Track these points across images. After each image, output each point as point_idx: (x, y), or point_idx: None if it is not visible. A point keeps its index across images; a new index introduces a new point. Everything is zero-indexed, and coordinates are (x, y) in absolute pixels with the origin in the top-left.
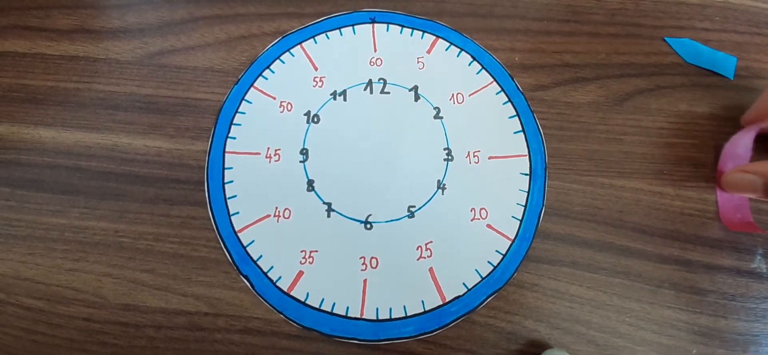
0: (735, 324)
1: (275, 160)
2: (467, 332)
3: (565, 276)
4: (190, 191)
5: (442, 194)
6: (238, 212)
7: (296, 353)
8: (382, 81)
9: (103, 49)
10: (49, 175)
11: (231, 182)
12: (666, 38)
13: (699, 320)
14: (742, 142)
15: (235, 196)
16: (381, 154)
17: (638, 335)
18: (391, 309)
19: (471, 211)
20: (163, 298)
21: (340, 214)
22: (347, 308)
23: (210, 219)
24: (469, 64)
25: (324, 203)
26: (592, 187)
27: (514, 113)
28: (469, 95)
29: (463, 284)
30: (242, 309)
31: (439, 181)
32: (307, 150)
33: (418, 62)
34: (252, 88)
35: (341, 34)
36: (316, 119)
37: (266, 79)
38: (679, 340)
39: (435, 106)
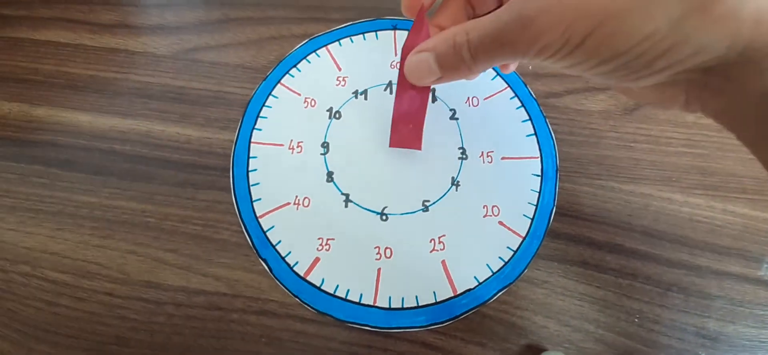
0: (743, 330)
1: (297, 152)
2: (478, 324)
3: (574, 275)
4: (216, 177)
5: (456, 190)
6: (260, 199)
7: (310, 337)
8: None
9: (142, 43)
10: (83, 157)
11: (255, 170)
12: None
13: (707, 325)
14: (421, 34)
15: (258, 183)
16: (398, 151)
17: (647, 337)
18: (403, 298)
19: (483, 208)
20: (184, 277)
21: (357, 205)
22: (361, 295)
23: (233, 204)
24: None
25: (342, 193)
26: (603, 190)
27: (527, 118)
28: (484, 99)
29: (474, 277)
30: (260, 291)
31: (453, 178)
32: (328, 144)
33: None
34: (279, 85)
35: (364, 39)
36: (337, 116)
37: (293, 76)
38: (688, 343)
39: (451, 107)
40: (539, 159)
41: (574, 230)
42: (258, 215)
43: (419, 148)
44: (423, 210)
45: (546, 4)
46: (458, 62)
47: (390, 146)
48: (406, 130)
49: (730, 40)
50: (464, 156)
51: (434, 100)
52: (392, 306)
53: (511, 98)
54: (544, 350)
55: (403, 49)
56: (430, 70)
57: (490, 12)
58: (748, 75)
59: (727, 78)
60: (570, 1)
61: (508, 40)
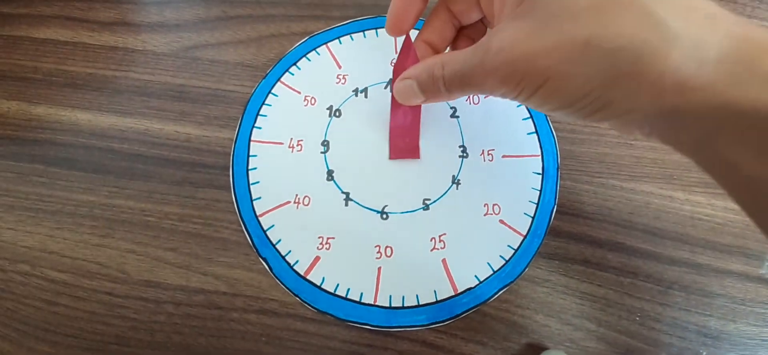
0: (744, 328)
1: (297, 150)
2: (479, 323)
3: (576, 273)
4: (216, 176)
5: (457, 188)
6: (260, 197)
7: (310, 336)
8: None
9: (141, 41)
10: (82, 155)
11: (255, 168)
12: None
13: (708, 323)
14: (409, 57)
15: (257, 182)
16: None
17: (648, 335)
18: (403, 297)
19: (484, 206)
20: (183, 276)
21: (358, 203)
22: (361, 294)
23: (233, 203)
24: None
25: (342, 192)
26: (604, 188)
27: (528, 115)
28: (485, 97)
29: (475, 276)
30: (260, 290)
31: (453, 176)
32: (328, 142)
33: None
34: (279, 83)
35: (365, 37)
36: (337, 114)
37: (293, 74)
38: (689, 341)
39: (451, 105)
40: (540, 157)
41: (575, 229)
42: (258, 213)
43: (417, 156)
44: (423, 209)
45: (503, 58)
46: (436, 91)
47: (390, 159)
48: (403, 143)
49: (657, 105)
50: (465, 154)
51: None
52: (393, 305)
53: None
54: (546, 348)
55: (393, 70)
56: (415, 94)
57: (477, 21)
58: (682, 129)
59: (666, 126)
60: (522, 60)
61: (475, 82)
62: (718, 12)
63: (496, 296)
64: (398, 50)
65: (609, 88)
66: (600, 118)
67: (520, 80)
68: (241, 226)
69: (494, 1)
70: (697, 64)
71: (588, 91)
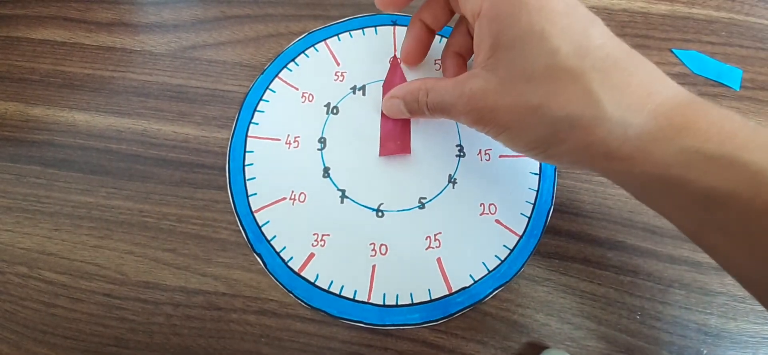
0: (745, 326)
1: (294, 147)
2: (479, 323)
3: (576, 272)
4: (214, 176)
5: (453, 188)
6: (255, 193)
7: (310, 336)
8: None
9: (139, 41)
10: (80, 156)
11: (251, 164)
12: (673, 50)
13: (709, 321)
14: (396, 76)
15: (254, 178)
16: None
17: (649, 334)
18: (397, 295)
19: (480, 205)
20: (182, 277)
21: (354, 201)
22: (355, 291)
23: (231, 203)
24: None
25: (338, 189)
26: (603, 187)
27: None
28: None
29: (470, 275)
30: (259, 291)
31: (450, 175)
32: (325, 139)
33: (435, 64)
34: (276, 79)
35: (364, 34)
36: (335, 111)
37: (291, 71)
38: (690, 340)
39: None
40: None
41: (574, 228)
42: (254, 209)
43: (408, 152)
44: (419, 207)
45: (474, 105)
46: (420, 113)
47: (380, 155)
48: (394, 145)
49: (590, 165)
50: (462, 154)
51: None
52: (386, 303)
53: None
54: (546, 347)
55: (383, 86)
56: (401, 112)
57: (464, 34)
58: (619, 184)
59: (608, 178)
60: (487, 110)
61: (452, 115)
62: (655, 90)
63: (491, 295)
64: (397, 48)
65: (553, 145)
66: (553, 163)
67: (486, 125)
68: (239, 226)
69: (473, 42)
70: (619, 140)
71: (537, 143)
